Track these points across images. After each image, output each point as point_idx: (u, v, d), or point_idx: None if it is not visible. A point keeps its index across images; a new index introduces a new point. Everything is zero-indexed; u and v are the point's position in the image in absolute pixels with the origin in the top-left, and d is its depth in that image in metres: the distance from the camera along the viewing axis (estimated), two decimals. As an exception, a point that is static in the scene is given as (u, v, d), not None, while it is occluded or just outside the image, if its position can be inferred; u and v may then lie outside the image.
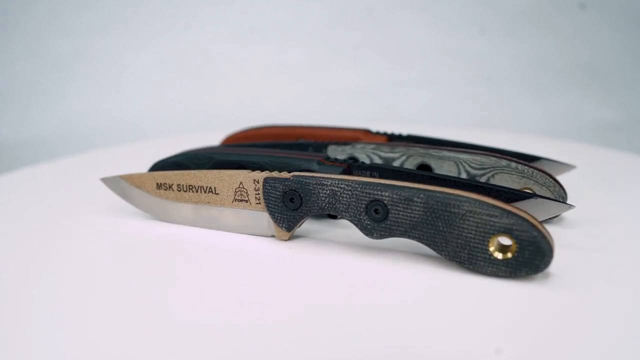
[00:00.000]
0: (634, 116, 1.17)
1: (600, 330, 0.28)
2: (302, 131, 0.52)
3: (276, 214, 0.37)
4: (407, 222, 0.33)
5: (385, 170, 0.39)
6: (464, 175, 0.41)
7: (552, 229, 0.40)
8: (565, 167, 0.45)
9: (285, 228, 0.37)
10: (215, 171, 0.39)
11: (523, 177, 0.40)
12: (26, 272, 0.35)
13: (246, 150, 0.43)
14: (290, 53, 1.21)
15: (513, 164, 0.40)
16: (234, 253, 0.37)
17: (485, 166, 0.40)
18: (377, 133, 0.49)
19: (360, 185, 0.34)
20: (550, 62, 1.23)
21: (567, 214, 0.42)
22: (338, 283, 0.33)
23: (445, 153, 0.41)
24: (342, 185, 0.34)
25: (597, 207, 0.44)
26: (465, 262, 0.33)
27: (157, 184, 0.41)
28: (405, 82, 1.21)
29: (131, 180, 0.42)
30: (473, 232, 0.31)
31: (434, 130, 0.60)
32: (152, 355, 0.26)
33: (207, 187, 0.39)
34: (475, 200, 0.31)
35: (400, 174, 0.39)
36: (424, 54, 1.23)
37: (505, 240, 0.32)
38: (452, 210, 0.32)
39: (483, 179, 0.40)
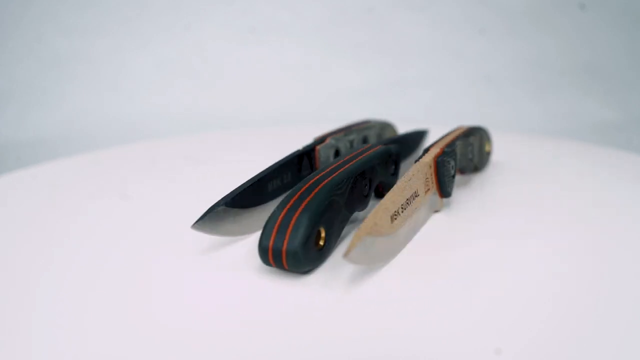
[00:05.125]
0: (634, 116, 1.17)
1: (600, 330, 0.28)
2: None
3: (451, 185, 0.41)
4: (476, 152, 0.48)
5: (396, 141, 0.49)
6: (376, 136, 0.55)
7: (548, 228, 0.40)
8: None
9: (451, 194, 0.41)
10: (411, 173, 0.37)
11: (390, 125, 0.58)
12: (26, 272, 0.35)
13: (348, 163, 0.39)
14: (290, 53, 1.21)
15: (389, 123, 0.58)
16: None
17: (383, 126, 0.56)
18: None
19: (464, 139, 0.45)
20: (550, 62, 1.23)
21: (566, 214, 0.42)
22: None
23: (367, 124, 0.54)
24: (459, 143, 0.44)
25: (597, 207, 0.44)
26: (482, 166, 0.51)
27: (391, 217, 0.34)
28: (405, 82, 1.21)
29: (378, 230, 0.32)
30: (483, 144, 0.50)
31: (434, 130, 0.60)
32: None
33: (413, 193, 0.37)
34: (478, 127, 0.50)
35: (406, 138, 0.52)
36: (424, 53, 1.23)
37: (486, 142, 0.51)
38: (478, 135, 0.48)
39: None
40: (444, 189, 0.41)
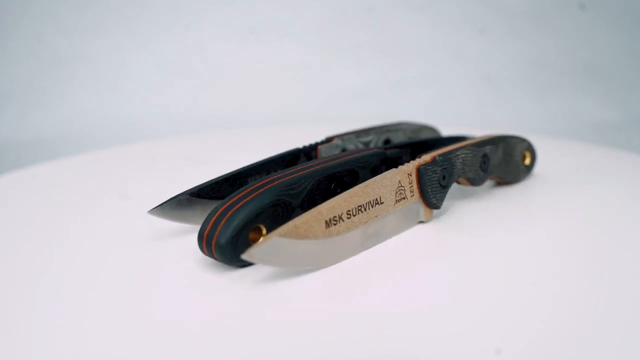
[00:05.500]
0: (634, 116, 1.17)
1: (600, 330, 0.28)
2: None
3: (437, 195, 0.39)
4: (497, 163, 0.45)
5: (412, 145, 0.46)
6: (406, 138, 0.53)
7: (548, 228, 0.40)
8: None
9: (440, 205, 0.40)
10: (377, 179, 0.36)
11: (432, 131, 0.56)
12: (26, 272, 0.35)
13: (320, 163, 0.39)
14: (290, 53, 1.21)
15: (426, 126, 0.56)
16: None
17: (415, 130, 0.54)
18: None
19: (475, 147, 0.42)
20: (550, 62, 1.23)
21: (567, 215, 0.42)
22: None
23: (393, 126, 0.52)
24: (466, 151, 0.41)
25: (596, 207, 0.44)
26: (515, 178, 0.47)
27: (325, 222, 0.33)
28: (406, 82, 1.21)
29: (294, 233, 0.31)
30: (518, 155, 0.47)
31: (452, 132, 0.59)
32: None
33: (374, 200, 0.36)
34: (512, 135, 0.47)
35: (419, 144, 0.46)
36: (424, 53, 1.23)
37: (525, 154, 0.48)
38: (510, 145, 0.46)
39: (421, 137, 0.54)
40: (428, 200, 0.39)
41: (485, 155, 0.43)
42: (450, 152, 0.40)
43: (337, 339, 0.27)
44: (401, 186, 0.37)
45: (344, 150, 0.47)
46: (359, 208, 0.35)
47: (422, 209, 0.39)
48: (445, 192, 0.40)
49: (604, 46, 1.22)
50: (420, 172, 0.38)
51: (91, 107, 1.14)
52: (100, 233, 0.41)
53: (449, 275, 0.33)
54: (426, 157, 0.39)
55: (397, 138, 0.51)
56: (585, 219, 0.42)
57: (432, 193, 0.39)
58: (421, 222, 0.40)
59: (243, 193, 0.34)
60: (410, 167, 0.38)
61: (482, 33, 1.22)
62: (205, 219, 0.33)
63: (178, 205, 0.38)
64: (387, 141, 0.51)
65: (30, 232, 0.41)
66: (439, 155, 0.39)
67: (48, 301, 0.31)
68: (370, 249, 0.36)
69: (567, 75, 1.21)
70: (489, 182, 0.48)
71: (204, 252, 0.33)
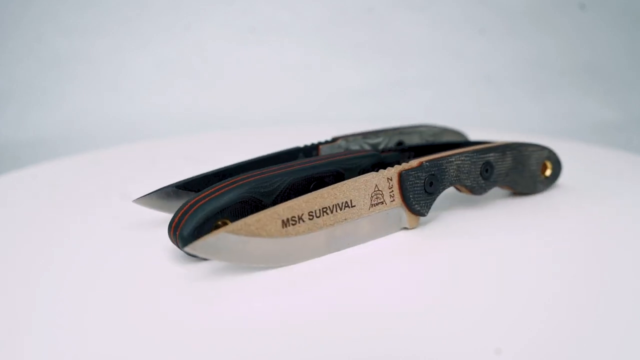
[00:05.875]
0: (634, 116, 1.17)
1: (600, 330, 0.28)
2: None
3: (420, 202, 0.38)
4: (504, 172, 0.42)
5: (419, 148, 0.44)
6: (423, 142, 0.50)
7: (547, 228, 0.40)
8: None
9: (426, 212, 0.38)
10: (348, 182, 0.35)
11: (455, 135, 0.53)
12: (26, 272, 0.35)
13: (303, 163, 0.38)
14: (290, 53, 1.21)
15: (447, 128, 0.53)
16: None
17: (435, 133, 0.52)
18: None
19: (475, 154, 0.40)
20: (550, 62, 1.22)
21: (566, 215, 0.42)
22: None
23: (409, 129, 0.50)
24: (462, 158, 0.40)
25: (596, 208, 0.44)
26: (531, 189, 0.45)
27: (282, 221, 0.33)
28: (406, 82, 1.21)
29: (246, 229, 0.32)
30: (534, 165, 0.44)
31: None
32: None
33: (342, 202, 0.35)
34: (529, 143, 0.44)
35: (429, 148, 0.44)
36: (424, 53, 1.23)
37: (545, 164, 0.45)
38: (524, 153, 0.43)
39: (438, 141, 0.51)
40: (411, 206, 0.38)
41: (487, 163, 0.41)
42: (442, 158, 0.39)
43: (337, 339, 0.27)
44: (378, 190, 0.37)
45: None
46: (324, 210, 0.34)
47: (405, 215, 0.38)
48: (432, 200, 0.39)
49: (604, 46, 1.22)
50: (401, 177, 0.37)
51: (91, 107, 1.14)
52: (100, 233, 0.41)
53: (450, 275, 0.33)
54: (413, 162, 0.38)
55: (412, 141, 0.49)
56: (584, 219, 0.42)
57: (415, 199, 0.38)
58: (405, 228, 0.39)
59: (216, 187, 0.35)
60: (392, 171, 0.37)
61: (482, 33, 1.22)
62: (176, 211, 0.34)
63: (165, 196, 0.39)
64: (399, 144, 0.49)
65: (30, 232, 0.41)
66: (428, 161, 0.38)
67: (48, 301, 0.31)
68: (346, 251, 0.36)
69: (567, 75, 1.21)
70: (502, 192, 0.46)
71: (174, 243, 0.34)
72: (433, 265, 0.35)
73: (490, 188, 0.42)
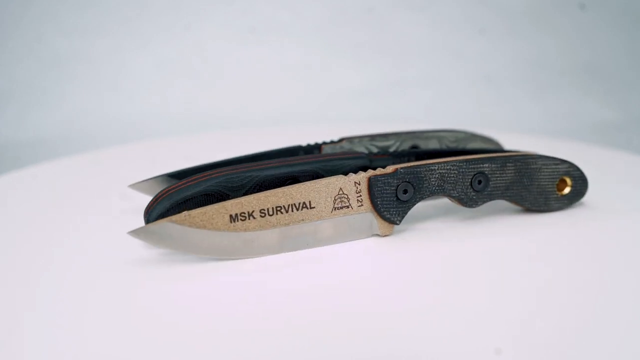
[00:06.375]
0: (634, 116, 1.17)
1: (600, 329, 0.28)
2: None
3: (390, 210, 0.37)
4: (503, 185, 0.39)
5: (422, 155, 0.42)
6: (444, 148, 0.47)
7: (548, 228, 0.40)
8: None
9: (398, 221, 0.37)
10: (307, 184, 0.35)
11: (483, 142, 0.49)
12: (26, 272, 0.35)
13: (281, 162, 0.39)
14: (290, 53, 1.21)
15: (475, 134, 0.48)
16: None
17: (458, 139, 0.48)
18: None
19: (465, 163, 0.38)
20: (550, 62, 1.22)
21: (566, 215, 0.42)
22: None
23: (428, 133, 0.47)
24: (448, 167, 0.38)
25: (596, 208, 0.44)
26: (542, 206, 0.41)
27: (230, 216, 0.34)
28: (406, 82, 1.21)
29: (189, 221, 0.33)
30: (546, 180, 0.41)
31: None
32: None
33: (299, 203, 0.35)
34: (543, 156, 0.40)
35: (433, 154, 0.42)
36: (424, 53, 1.23)
37: (564, 180, 0.41)
38: (532, 166, 0.40)
39: (460, 148, 0.47)
40: (381, 213, 0.37)
41: (480, 174, 0.38)
42: (420, 165, 0.37)
43: (337, 339, 0.27)
44: (343, 194, 0.36)
45: None
46: (278, 209, 0.35)
47: (376, 221, 0.37)
48: (406, 208, 0.37)
49: (604, 46, 1.22)
50: (370, 182, 0.36)
51: (91, 107, 1.14)
52: (100, 233, 0.41)
53: (450, 275, 0.33)
54: (389, 168, 0.37)
55: (429, 146, 0.46)
56: (584, 219, 0.42)
57: (385, 207, 0.37)
58: (376, 235, 0.38)
59: (191, 179, 0.36)
60: (361, 176, 0.36)
61: (482, 33, 1.22)
62: (152, 198, 0.37)
63: (158, 184, 0.41)
64: (413, 148, 0.46)
65: (30, 232, 0.41)
66: (403, 168, 0.37)
67: (48, 301, 0.31)
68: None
69: (567, 75, 1.21)
70: (511, 207, 0.43)
71: None
72: (433, 265, 0.35)
73: (484, 201, 0.39)
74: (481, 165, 0.38)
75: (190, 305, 0.30)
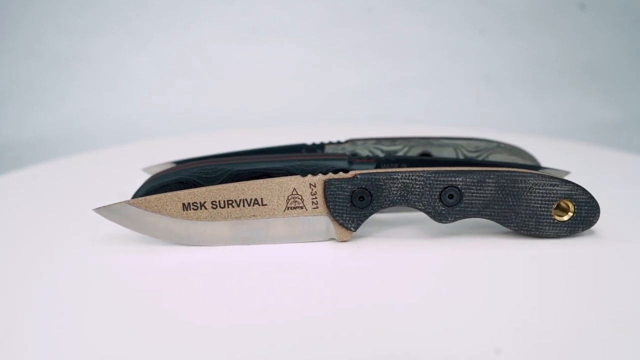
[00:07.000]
0: (634, 116, 1.17)
1: (600, 329, 0.28)
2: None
3: (343, 215, 0.36)
4: (481, 202, 0.36)
5: (414, 161, 0.40)
6: (460, 157, 0.44)
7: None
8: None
9: (353, 227, 0.37)
10: (260, 181, 0.36)
11: (512, 154, 0.45)
12: (26, 272, 0.35)
13: (259, 158, 0.40)
14: (290, 53, 1.21)
15: (502, 144, 0.44)
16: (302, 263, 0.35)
17: (479, 148, 0.44)
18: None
19: (433, 175, 0.35)
20: (550, 62, 1.22)
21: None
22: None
23: (444, 140, 0.44)
24: (413, 177, 0.36)
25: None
26: (533, 230, 0.37)
27: (183, 205, 0.36)
28: (406, 82, 1.21)
29: (145, 205, 0.36)
30: (539, 202, 0.36)
31: (434, 131, 0.59)
32: None
33: (251, 199, 0.36)
34: (537, 174, 0.36)
35: (431, 163, 0.40)
36: (424, 54, 1.23)
37: (564, 204, 0.37)
38: (520, 185, 0.36)
39: (480, 159, 0.44)
40: (335, 218, 0.36)
41: (452, 188, 0.35)
42: (380, 173, 0.36)
43: (337, 339, 0.27)
44: (296, 194, 0.36)
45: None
46: (229, 202, 0.36)
47: (333, 226, 0.37)
48: (364, 215, 0.36)
49: (604, 46, 1.22)
50: (324, 185, 0.36)
51: (91, 107, 1.14)
52: (101, 233, 0.41)
53: (450, 275, 0.33)
54: (350, 173, 0.36)
55: (442, 154, 0.43)
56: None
57: (338, 212, 0.36)
58: (333, 239, 0.38)
59: (175, 168, 0.40)
60: (317, 178, 0.36)
61: (482, 33, 1.22)
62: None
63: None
64: (424, 155, 0.44)
65: (30, 232, 0.41)
66: (361, 174, 0.36)
67: (48, 301, 0.31)
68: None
69: (567, 75, 1.21)
70: (499, 228, 0.39)
71: None
72: (433, 265, 0.35)
73: (457, 217, 0.36)
74: (453, 179, 0.35)
75: (192, 306, 0.31)
